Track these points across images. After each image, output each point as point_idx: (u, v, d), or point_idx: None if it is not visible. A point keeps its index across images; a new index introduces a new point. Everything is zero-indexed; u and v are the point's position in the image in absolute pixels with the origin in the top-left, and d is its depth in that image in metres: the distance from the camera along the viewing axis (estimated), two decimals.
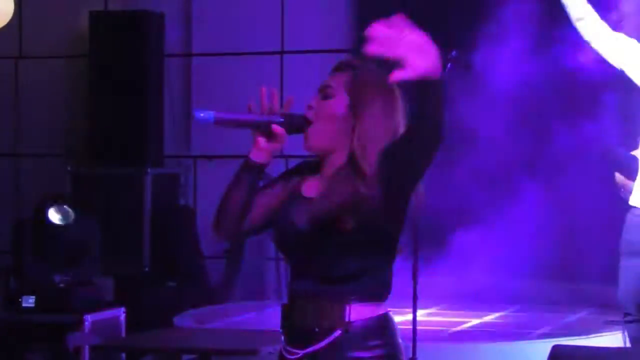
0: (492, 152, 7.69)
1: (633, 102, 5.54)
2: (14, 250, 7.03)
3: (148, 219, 8.28)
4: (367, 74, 2.96)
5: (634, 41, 5.29)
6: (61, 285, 6.37)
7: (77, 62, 8.86)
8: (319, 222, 2.88)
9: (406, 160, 2.82)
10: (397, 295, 3.13)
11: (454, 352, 6.32)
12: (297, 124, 2.97)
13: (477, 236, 7.72)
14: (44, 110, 9.00)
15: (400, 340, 2.95)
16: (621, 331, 5.49)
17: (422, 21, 2.68)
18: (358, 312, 2.89)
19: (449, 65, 5.43)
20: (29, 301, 6.24)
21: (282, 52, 8.64)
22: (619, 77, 5.34)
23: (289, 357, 2.93)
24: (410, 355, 5.47)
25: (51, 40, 8.99)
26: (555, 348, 4.46)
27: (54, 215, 6.55)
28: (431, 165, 2.82)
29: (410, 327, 5.48)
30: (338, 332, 2.88)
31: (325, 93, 2.97)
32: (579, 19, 5.28)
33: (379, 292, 2.93)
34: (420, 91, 2.70)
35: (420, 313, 5.86)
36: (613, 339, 6.09)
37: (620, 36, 5.29)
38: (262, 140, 2.95)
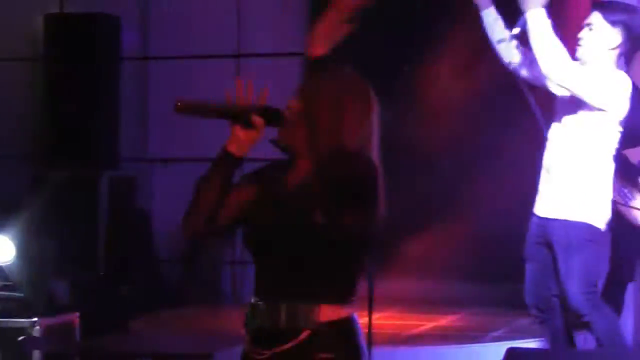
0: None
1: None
2: None
3: (104, 223, 8.24)
4: (332, 79, 2.98)
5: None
6: None
7: (32, 65, 8.79)
8: (289, 221, 2.89)
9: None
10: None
11: (410, 356, 6.34)
12: (275, 117, 2.96)
13: (430, 241, 7.76)
14: None
15: (364, 343, 2.97)
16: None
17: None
18: (326, 313, 2.90)
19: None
20: None
21: (239, 55, 8.64)
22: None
23: (256, 357, 2.93)
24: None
25: (5, 42, 8.91)
26: (509, 351, 4.48)
27: None
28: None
29: (366, 330, 5.49)
30: (306, 333, 2.89)
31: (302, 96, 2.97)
32: (499, 41, 5.27)
33: (347, 294, 2.94)
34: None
35: (375, 316, 5.87)
36: None
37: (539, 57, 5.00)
38: (240, 130, 2.93)
